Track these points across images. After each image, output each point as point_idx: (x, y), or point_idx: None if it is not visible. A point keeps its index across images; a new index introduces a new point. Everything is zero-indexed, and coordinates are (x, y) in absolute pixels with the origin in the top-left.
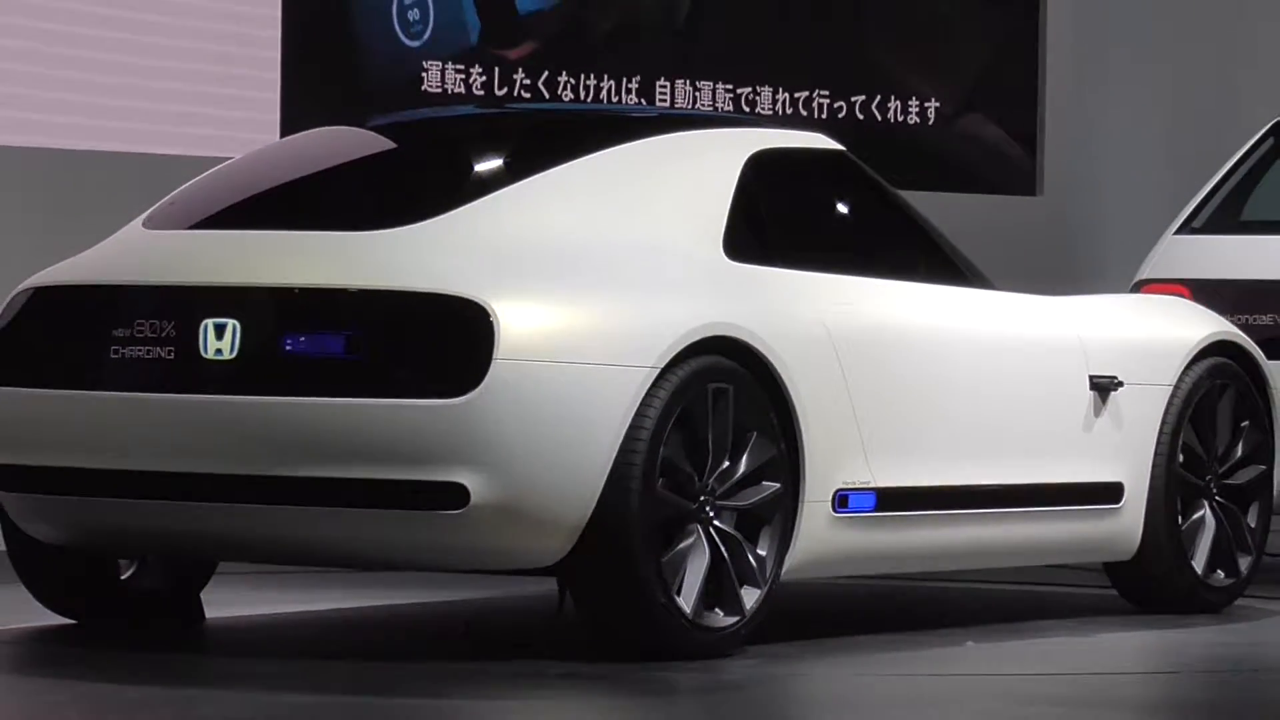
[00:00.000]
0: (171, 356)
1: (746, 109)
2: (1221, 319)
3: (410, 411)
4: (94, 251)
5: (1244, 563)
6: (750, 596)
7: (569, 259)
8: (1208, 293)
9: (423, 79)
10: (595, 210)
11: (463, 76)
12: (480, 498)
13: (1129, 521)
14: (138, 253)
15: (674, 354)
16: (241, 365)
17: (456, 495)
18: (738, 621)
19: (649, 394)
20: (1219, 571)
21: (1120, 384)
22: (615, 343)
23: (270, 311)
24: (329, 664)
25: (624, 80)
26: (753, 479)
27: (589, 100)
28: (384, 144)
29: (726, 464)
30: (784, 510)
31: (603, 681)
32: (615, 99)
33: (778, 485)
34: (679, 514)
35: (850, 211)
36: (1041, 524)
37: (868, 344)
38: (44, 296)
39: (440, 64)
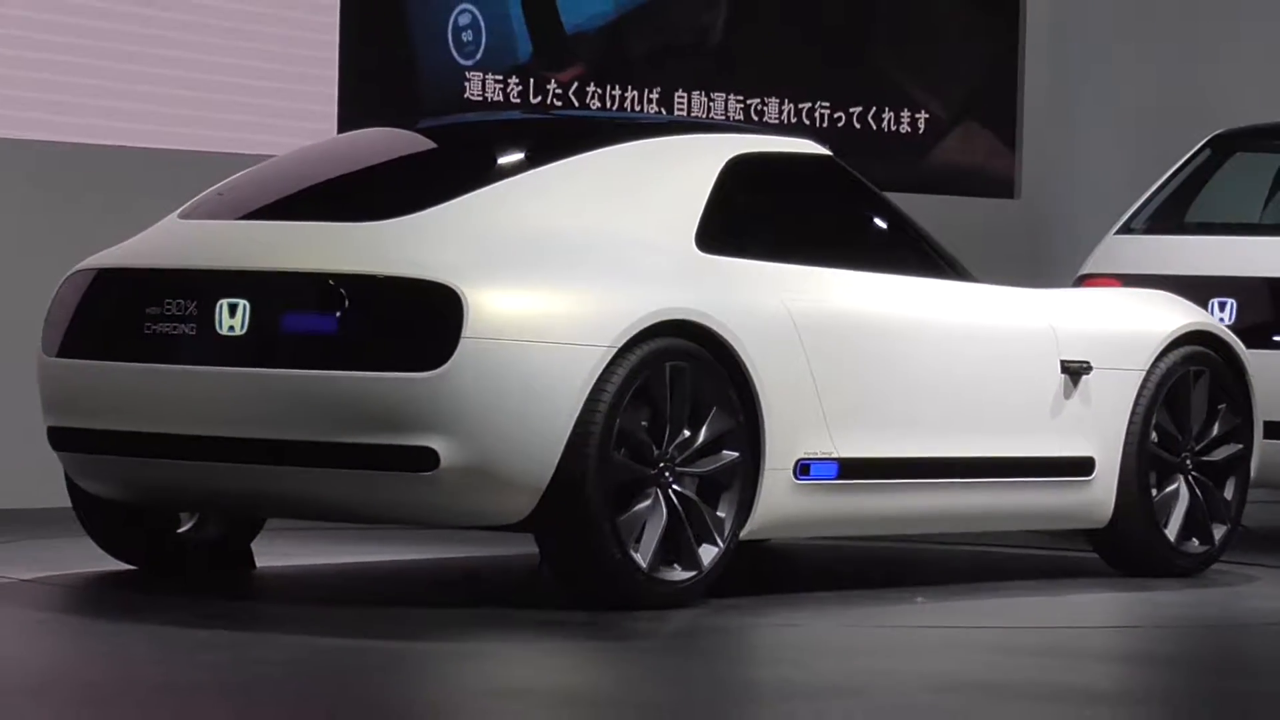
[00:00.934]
0: (193, 332)
1: (756, 118)
2: (1200, 311)
3: (389, 384)
4: (136, 239)
5: (1219, 532)
6: (708, 554)
7: (542, 250)
8: (1137, 286)
9: (465, 87)
10: (577, 206)
11: (501, 85)
12: (449, 461)
13: (1101, 493)
14: (170, 240)
15: (631, 335)
16: (250, 341)
17: (428, 459)
18: (695, 576)
19: (606, 371)
20: (1194, 540)
21: (1091, 368)
22: (575, 324)
23: (275, 293)
24: (362, 610)
25: (645, 91)
26: (713, 448)
27: (614, 108)
28: (405, 144)
29: (687, 434)
30: (743, 477)
31: (571, 628)
32: (637, 108)
33: (737, 454)
34: (637, 478)
35: (832, 210)
36: (1012, 494)
37: (832, 329)
38: (90, 278)
39: (482, 75)
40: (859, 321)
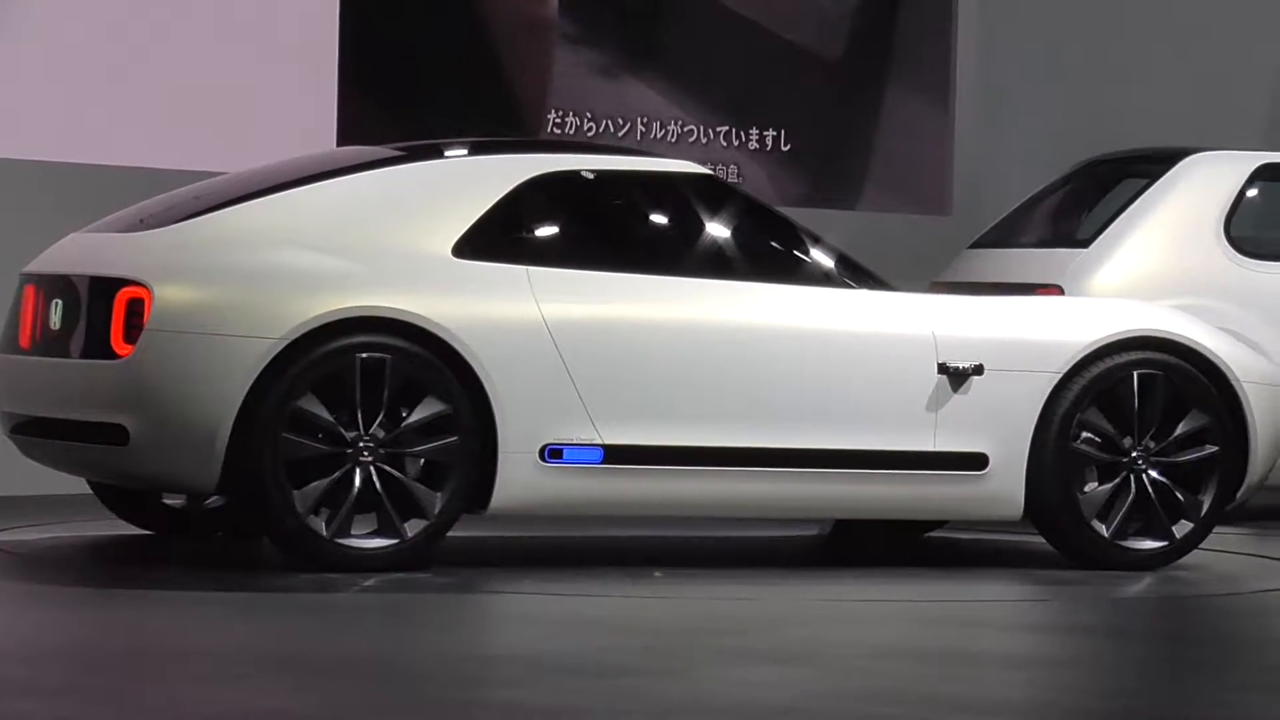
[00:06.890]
0: (44, 327)
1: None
2: (1170, 317)
3: (94, 369)
4: (48, 249)
5: (1183, 530)
6: (415, 527)
7: (259, 258)
8: (968, 294)
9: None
10: (338, 219)
11: None
12: (136, 436)
13: (1001, 487)
14: (56, 250)
15: (306, 330)
16: (59, 334)
17: (120, 434)
18: (395, 544)
19: (277, 360)
20: (1147, 539)
21: (983, 370)
22: (248, 319)
23: (67, 293)
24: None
25: (644, 118)
26: (431, 431)
27: (611, 133)
28: (284, 166)
29: (401, 417)
30: (466, 459)
31: (262, 586)
32: (646, 136)
33: (454, 438)
34: (324, 455)
35: (683, 223)
36: (864, 484)
37: (601, 329)
38: (17, 283)
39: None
40: (637, 322)
